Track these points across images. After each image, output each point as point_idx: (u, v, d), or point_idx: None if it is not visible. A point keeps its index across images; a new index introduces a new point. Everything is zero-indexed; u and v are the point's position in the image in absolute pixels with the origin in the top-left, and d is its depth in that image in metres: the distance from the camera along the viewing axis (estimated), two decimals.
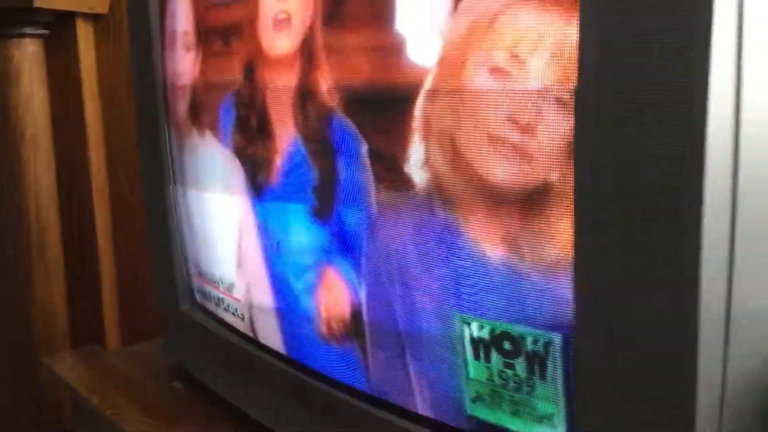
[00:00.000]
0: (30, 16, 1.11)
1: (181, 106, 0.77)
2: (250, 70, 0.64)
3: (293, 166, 0.60)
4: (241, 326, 0.78)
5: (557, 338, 0.46)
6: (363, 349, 0.58)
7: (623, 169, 0.38)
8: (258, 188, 0.65)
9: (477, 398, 0.52)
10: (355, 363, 0.60)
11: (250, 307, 0.73)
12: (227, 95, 0.68)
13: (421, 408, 0.56)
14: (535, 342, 0.47)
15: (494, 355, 0.50)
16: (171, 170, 0.84)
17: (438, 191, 0.48)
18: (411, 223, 0.50)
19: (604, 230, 0.40)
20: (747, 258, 0.38)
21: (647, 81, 0.37)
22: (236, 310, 0.78)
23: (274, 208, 0.64)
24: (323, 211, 0.58)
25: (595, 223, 0.40)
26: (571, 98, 0.40)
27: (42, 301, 1.18)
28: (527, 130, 0.42)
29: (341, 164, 0.55)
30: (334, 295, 0.59)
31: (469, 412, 0.53)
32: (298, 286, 0.63)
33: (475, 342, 0.50)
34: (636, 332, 0.39)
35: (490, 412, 0.51)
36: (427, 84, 0.48)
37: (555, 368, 0.46)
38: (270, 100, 0.62)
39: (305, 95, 0.57)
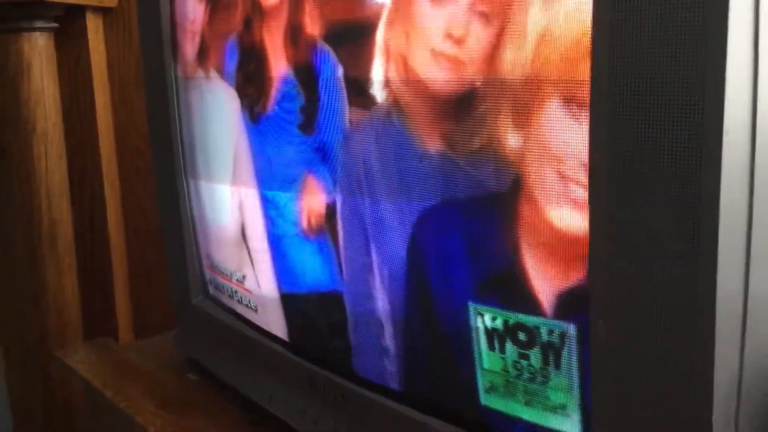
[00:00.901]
0: (40, 9, 1.11)
1: (190, 52, 0.82)
2: (249, 14, 0.71)
3: (285, 94, 0.68)
4: (254, 318, 0.78)
5: (572, 328, 0.46)
6: (335, 243, 0.66)
7: (638, 164, 0.38)
8: (256, 117, 0.73)
9: (491, 388, 0.52)
10: (330, 258, 0.66)
11: (243, 228, 0.78)
12: (231, 39, 0.75)
13: (391, 372, 0.59)
14: (550, 332, 0.47)
15: (508, 345, 0.50)
16: (182, 160, 0.84)
17: (395, 106, 0.56)
18: (374, 135, 0.58)
19: (618, 220, 0.40)
20: (764, 248, 0.38)
21: (662, 74, 0.37)
22: (249, 302, 0.78)
23: (268, 132, 0.72)
24: (307, 128, 0.66)
25: (610, 214, 0.40)
26: (492, 11, 0.47)
27: (54, 294, 1.18)
28: (459, 41, 0.49)
29: (322, 87, 0.64)
30: (314, 198, 0.68)
31: (483, 402, 0.53)
32: (285, 195, 0.71)
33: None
34: (651, 322, 0.39)
35: (504, 402, 0.52)
36: (385, 15, 0.56)
37: (570, 358, 0.46)
38: (266, 39, 0.69)
39: (294, 30, 0.65)
